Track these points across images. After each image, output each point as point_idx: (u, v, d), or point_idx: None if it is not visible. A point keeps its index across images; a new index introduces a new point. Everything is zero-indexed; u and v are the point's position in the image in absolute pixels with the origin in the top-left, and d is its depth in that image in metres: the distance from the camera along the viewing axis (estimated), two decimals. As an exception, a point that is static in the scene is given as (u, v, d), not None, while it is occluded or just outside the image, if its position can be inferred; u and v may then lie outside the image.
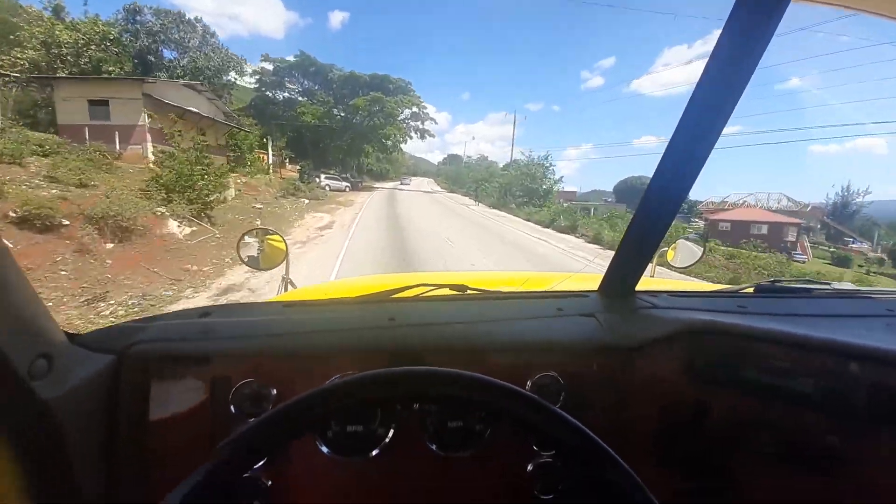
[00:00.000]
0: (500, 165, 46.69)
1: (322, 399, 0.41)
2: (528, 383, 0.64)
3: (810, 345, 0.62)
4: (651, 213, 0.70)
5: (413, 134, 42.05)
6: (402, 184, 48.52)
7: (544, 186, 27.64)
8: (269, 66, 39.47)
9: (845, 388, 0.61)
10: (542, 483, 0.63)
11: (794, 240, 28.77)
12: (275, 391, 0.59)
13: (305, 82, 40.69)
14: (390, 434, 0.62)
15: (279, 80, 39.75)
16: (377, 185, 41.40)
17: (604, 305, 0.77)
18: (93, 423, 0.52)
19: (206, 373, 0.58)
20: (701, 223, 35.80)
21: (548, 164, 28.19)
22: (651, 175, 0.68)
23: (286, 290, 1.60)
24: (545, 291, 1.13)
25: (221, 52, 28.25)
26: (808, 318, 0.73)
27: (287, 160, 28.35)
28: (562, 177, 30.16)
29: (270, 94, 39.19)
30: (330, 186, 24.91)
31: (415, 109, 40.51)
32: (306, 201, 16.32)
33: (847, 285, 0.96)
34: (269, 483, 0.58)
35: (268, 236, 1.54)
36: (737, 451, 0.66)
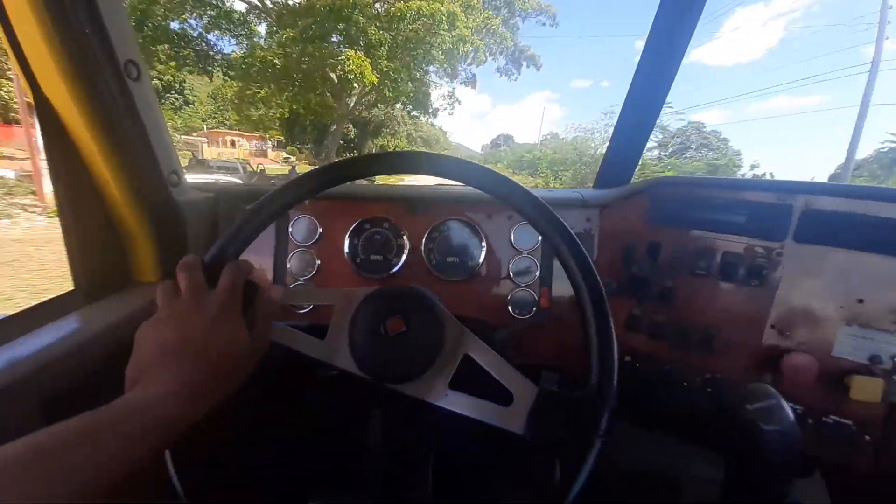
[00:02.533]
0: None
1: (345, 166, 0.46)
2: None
3: (744, 185, 0.80)
4: (635, 115, 0.93)
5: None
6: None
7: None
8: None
9: (774, 215, 0.74)
10: (517, 307, 0.84)
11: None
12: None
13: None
14: (402, 260, 0.84)
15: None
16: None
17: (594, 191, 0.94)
18: (204, 229, 0.78)
19: None
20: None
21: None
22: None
23: None
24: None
25: None
26: None
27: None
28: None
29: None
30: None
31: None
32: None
33: None
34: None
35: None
36: (680, 275, 0.80)
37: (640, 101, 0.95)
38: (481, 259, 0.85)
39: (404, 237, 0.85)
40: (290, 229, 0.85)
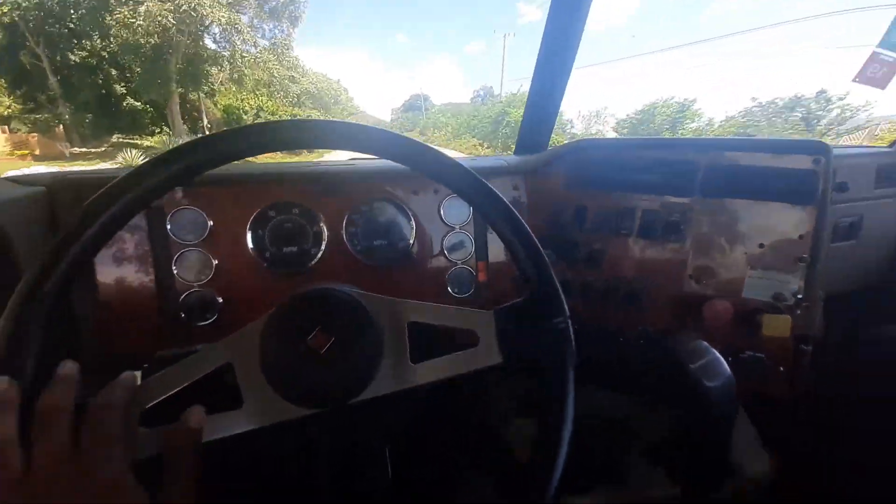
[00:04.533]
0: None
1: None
2: None
3: (654, 144, 0.83)
4: (546, 80, 0.95)
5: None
6: None
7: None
8: None
9: (685, 171, 0.78)
10: (456, 286, 0.80)
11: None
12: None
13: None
14: (322, 249, 0.73)
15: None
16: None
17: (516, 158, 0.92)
18: (34, 237, 0.58)
19: None
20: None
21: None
22: None
23: None
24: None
25: None
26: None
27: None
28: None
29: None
30: None
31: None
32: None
33: None
34: (220, 300, 0.68)
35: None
36: (606, 236, 0.82)
37: (549, 66, 0.95)
38: (412, 239, 0.77)
39: (321, 223, 0.74)
40: (167, 226, 0.68)
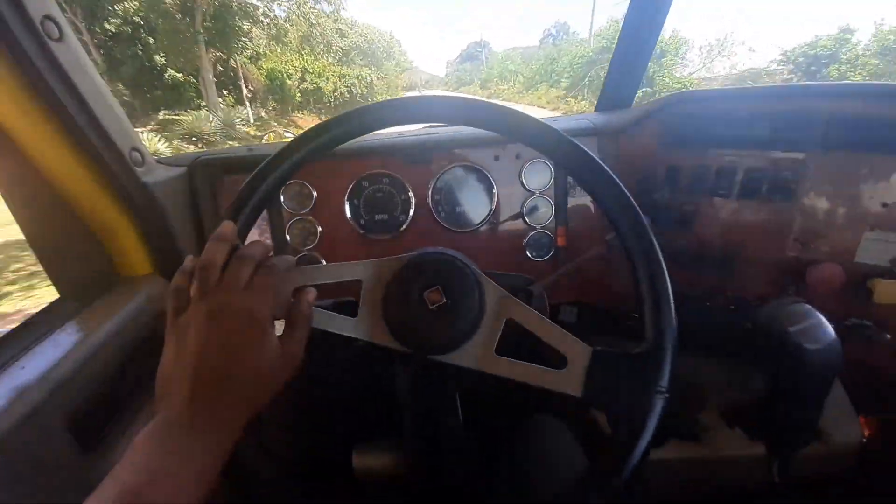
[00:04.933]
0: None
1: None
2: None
3: (765, 93, 0.74)
4: (637, 29, 0.86)
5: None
6: None
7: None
8: None
9: (802, 123, 0.69)
10: (534, 250, 0.82)
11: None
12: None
13: None
14: (409, 217, 0.78)
15: None
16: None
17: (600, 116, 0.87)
18: (182, 208, 0.71)
19: None
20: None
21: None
22: None
23: None
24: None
25: None
26: None
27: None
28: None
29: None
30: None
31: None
32: None
33: None
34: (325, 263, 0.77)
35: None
36: (700, 198, 0.78)
37: (641, 18, 0.85)
38: (493, 205, 0.79)
39: (409, 191, 0.78)
40: (281, 198, 0.77)
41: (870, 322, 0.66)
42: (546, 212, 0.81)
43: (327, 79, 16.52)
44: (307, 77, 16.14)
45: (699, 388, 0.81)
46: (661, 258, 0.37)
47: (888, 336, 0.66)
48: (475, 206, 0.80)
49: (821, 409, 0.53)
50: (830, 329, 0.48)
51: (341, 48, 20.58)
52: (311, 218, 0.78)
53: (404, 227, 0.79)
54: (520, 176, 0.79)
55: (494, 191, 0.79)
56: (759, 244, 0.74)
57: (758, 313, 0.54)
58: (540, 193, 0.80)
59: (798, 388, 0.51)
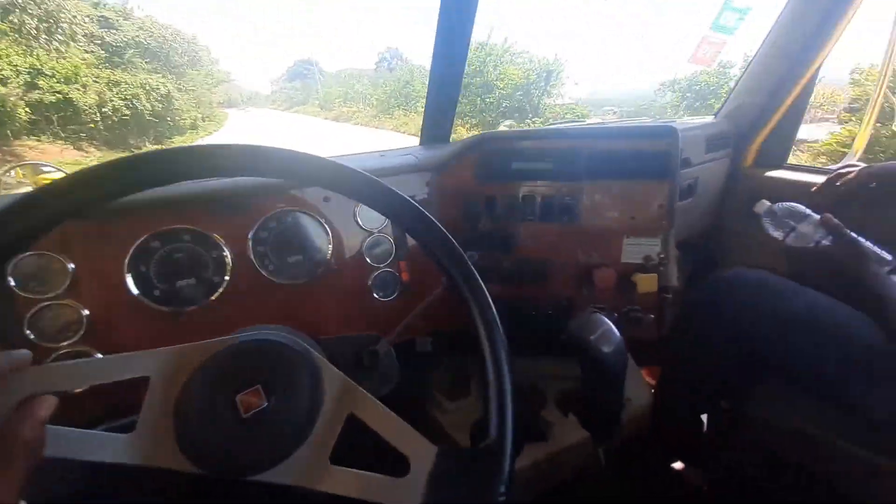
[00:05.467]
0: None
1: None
2: None
3: (545, 134, 0.94)
4: (444, 69, 0.92)
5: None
6: None
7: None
8: None
9: (574, 158, 0.88)
10: (381, 290, 0.79)
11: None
12: None
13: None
14: (227, 277, 0.65)
15: None
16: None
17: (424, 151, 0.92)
18: None
19: None
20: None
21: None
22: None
23: None
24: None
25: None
26: None
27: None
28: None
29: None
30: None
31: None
32: None
33: None
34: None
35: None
36: (514, 223, 0.91)
37: (445, 56, 0.92)
38: (330, 250, 0.73)
39: (222, 247, 0.65)
40: (9, 279, 0.53)
41: (638, 307, 0.88)
42: (387, 248, 0.79)
43: (85, 86, 10.76)
44: (42, 82, 10.03)
45: (537, 386, 0.94)
46: (506, 354, 0.38)
47: (651, 316, 0.89)
48: (310, 253, 0.72)
49: (622, 390, 0.67)
50: (617, 332, 0.62)
51: (109, 42, 15.05)
52: (67, 301, 0.56)
53: (221, 289, 0.65)
54: (355, 216, 0.76)
55: (329, 234, 0.73)
56: (560, 257, 0.91)
57: (569, 326, 0.65)
58: (378, 232, 0.78)
59: (603, 378, 0.63)
